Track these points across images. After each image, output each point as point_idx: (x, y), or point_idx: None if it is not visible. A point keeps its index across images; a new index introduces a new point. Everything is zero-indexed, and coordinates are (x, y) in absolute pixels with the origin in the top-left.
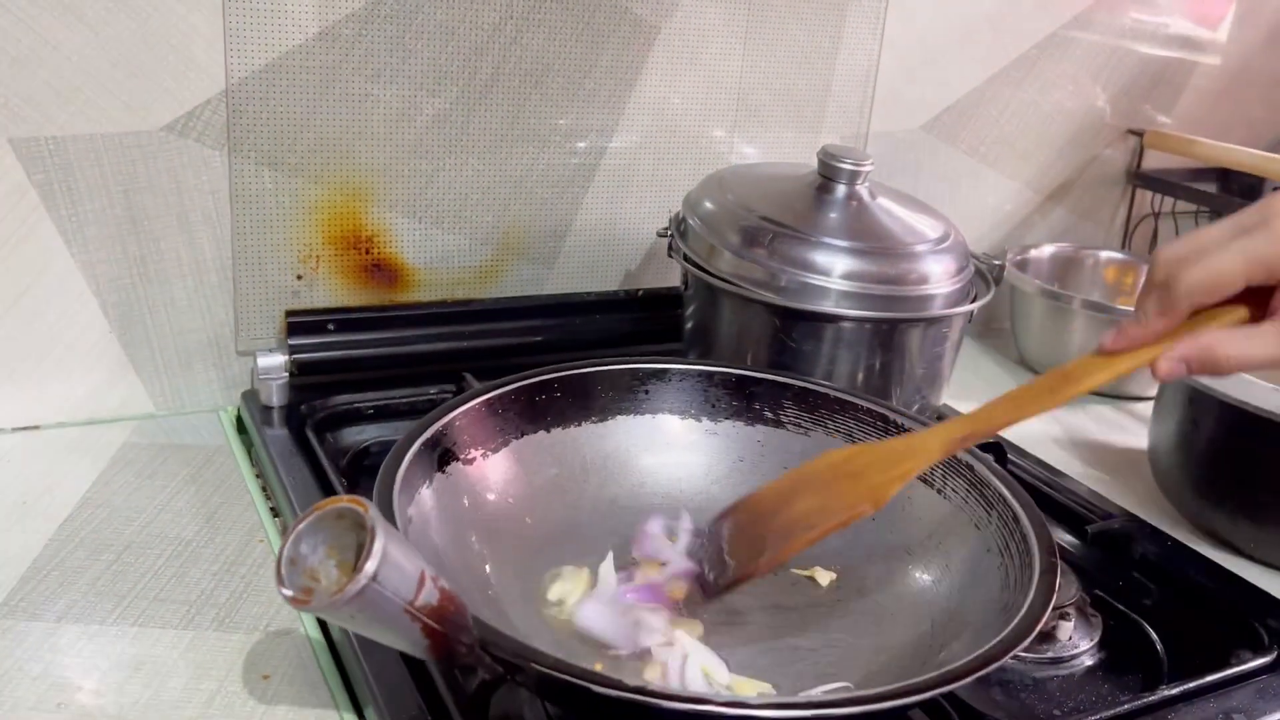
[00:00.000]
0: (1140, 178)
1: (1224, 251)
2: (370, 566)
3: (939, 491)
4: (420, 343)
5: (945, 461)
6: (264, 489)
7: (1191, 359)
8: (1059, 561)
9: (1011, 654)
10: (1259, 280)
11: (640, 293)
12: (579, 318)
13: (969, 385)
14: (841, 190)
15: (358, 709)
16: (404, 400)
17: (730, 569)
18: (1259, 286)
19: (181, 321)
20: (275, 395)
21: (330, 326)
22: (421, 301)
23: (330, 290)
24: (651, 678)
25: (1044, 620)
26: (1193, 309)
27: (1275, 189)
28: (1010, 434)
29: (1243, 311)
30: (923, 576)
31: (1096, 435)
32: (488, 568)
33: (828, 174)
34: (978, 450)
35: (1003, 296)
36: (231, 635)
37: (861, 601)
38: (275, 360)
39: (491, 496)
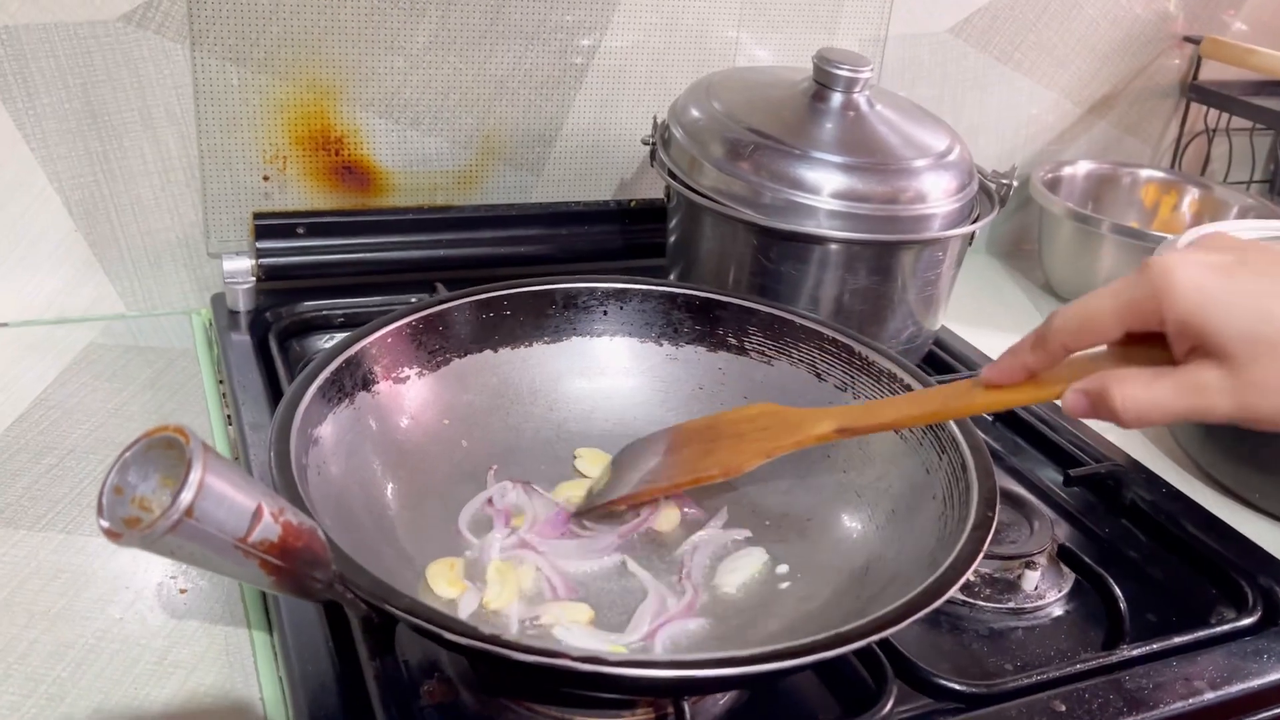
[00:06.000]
0: (1195, 90)
1: (1097, 294)
2: (185, 498)
3: (896, 430)
4: (395, 250)
5: None
6: (224, 396)
7: (1091, 394)
8: (994, 517)
9: (908, 622)
10: (1135, 326)
11: (633, 203)
12: (566, 229)
13: (988, 311)
14: (837, 99)
15: (271, 630)
16: (376, 309)
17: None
18: (1151, 334)
19: (149, 221)
20: (241, 300)
21: (300, 230)
22: (397, 206)
23: (301, 193)
24: None
25: (956, 586)
26: (1064, 350)
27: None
28: None
29: (1161, 356)
30: (866, 521)
31: None
32: (389, 491)
33: (823, 80)
34: (931, 385)
35: (1032, 217)
36: None
37: (800, 544)
38: (241, 264)
39: (409, 421)
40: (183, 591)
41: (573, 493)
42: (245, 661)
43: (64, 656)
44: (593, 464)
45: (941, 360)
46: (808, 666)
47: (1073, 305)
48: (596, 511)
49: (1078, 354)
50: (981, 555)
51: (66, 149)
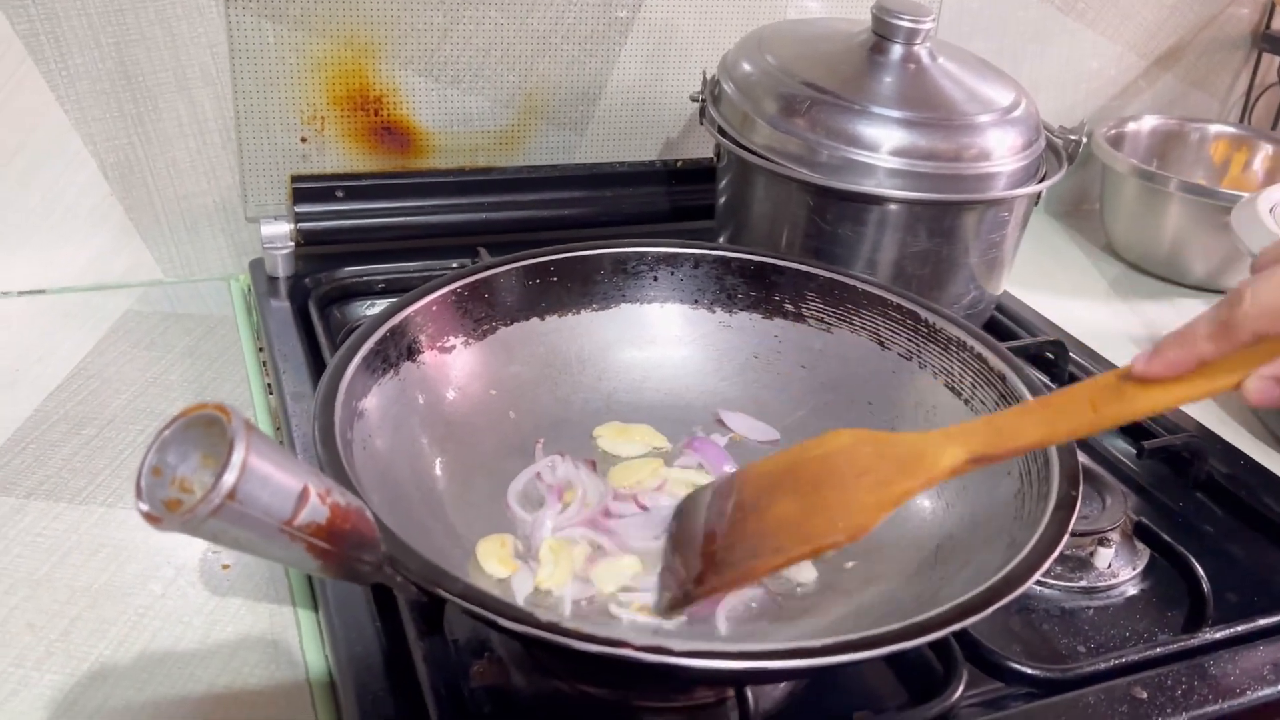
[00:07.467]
0: (1268, 40)
1: None
2: (228, 480)
3: (966, 403)
4: (436, 213)
5: (974, 369)
6: (264, 365)
7: None
8: (1079, 496)
9: (992, 609)
10: None
11: (679, 163)
12: (610, 190)
13: (1049, 273)
14: (897, 51)
15: (316, 608)
16: (417, 274)
17: (701, 574)
18: None
19: (185, 184)
20: (280, 266)
21: (339, 194)
22: (437, 169)
23: (340, 155)
24: None
25: (1042, 570)
26: (1257, 336)
27: None
28: (1082, 331)
29: None
30: (935, 498)
31: None
32: (438, 465)
33: (882, 32)
34: (1004, 353)
35: (1094, 175)
36: None
37: None
38: (280, 229)
39: (455, 393)
40: (225, 567)
41: (633, 477)
42: (290, 641)
43: (105, 634)
44: (615, 439)
45: (1004, 326)
46: (883, 657)
47: (1269, 284)
48: (691, 604)
49: None
50: (1067, 537)
51: (101, 110)
